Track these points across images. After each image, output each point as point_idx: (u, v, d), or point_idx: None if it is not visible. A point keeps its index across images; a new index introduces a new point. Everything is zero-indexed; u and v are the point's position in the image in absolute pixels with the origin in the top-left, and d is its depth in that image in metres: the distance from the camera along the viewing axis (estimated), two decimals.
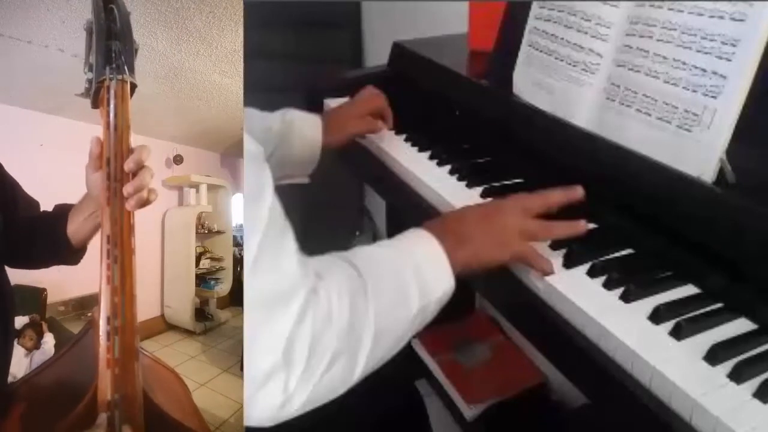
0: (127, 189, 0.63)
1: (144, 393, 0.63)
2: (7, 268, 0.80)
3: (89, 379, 0.61)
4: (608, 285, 0.67)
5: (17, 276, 0.82)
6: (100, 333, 0.60)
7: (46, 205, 0.84)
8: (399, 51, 1.27)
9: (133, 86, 0.67)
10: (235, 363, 2.73)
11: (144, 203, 0.65)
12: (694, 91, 0.70)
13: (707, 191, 0.68)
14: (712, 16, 0.69)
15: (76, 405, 0.62)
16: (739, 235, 0.64)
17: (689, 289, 0.67)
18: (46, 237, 0.78)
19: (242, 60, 2.17)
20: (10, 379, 0.79)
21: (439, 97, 1.11)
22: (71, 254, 0.79)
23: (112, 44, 0.66)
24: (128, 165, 0.64)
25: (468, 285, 0.73)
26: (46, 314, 2.40)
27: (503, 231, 0.70)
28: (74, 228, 0.76)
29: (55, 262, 0.83)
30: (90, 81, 0.67)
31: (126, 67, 0.66)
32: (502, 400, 1.46)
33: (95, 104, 0.68)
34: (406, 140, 1.07)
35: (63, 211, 0.78)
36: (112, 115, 0.64)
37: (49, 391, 0.71)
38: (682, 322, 0.60)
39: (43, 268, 0.86)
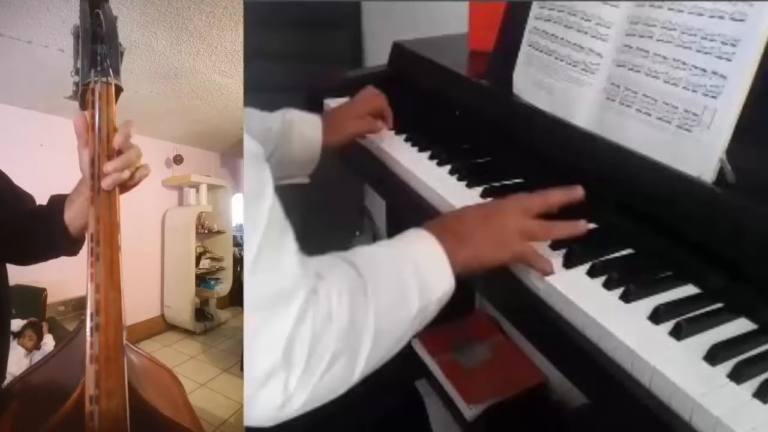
0: (110, 166, 0.62)
1: (133, 389, 0.63)
2: (7, 271, 0.79)
3: (81, 376, 0.62)
4: (608, 285, 0.67)
5: (17, 276, 0.80)
6: (86, 330, 0.60)
7: None
8: (399, 51, 1.27)
9: (119, 89, 0.67)
10: (235, 363, 2.74)
11: (124, 184, 0.63)
12: (694, 91, 0.70)
13: (707, 191, 0.68)
14: (712, 16, 0.69)
15: (66, 401, 0.62)
16: (739, 235, 0.64)
17: (689, 289, 0.67)
18: (42, 229, 0.76)
19: (242, 60, 2.17)
20: (9, 378, 0.79)
21: (439, 97, 1.11)
22: (69, 244, 0.77)
23: (97, 48, 0.67)
24: (117, 139, 0.63)
25: (468, 285, 0.73)
26: (46, 314, 2.40)
27: (503, 231, 0.70)
28: (71, 214, 0.74)
29: (52, 254, 0.81)
30: (77, 84, 0.67)
31: (111, 70, 0.66)
32: (502, 400, 1.46)
33: (83, 106, 0.68)
34: (406, 140, 1.07)
35: (58, 201, 0.76)
36: (97, 116, 0.65)
37: (42, 389, 0.71)
38: (682, 322, 0.60)
39: (41, 261, 0.83)
